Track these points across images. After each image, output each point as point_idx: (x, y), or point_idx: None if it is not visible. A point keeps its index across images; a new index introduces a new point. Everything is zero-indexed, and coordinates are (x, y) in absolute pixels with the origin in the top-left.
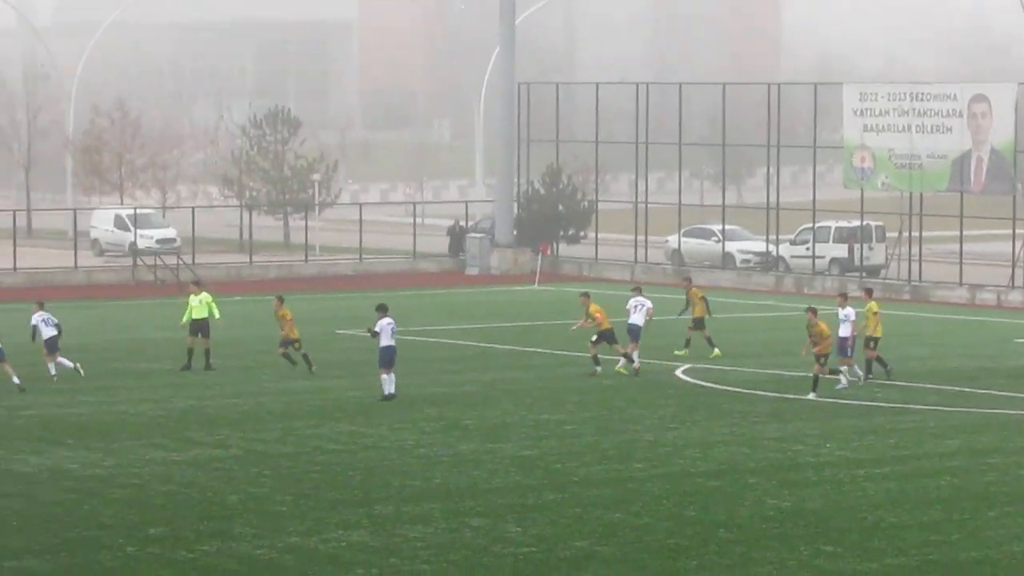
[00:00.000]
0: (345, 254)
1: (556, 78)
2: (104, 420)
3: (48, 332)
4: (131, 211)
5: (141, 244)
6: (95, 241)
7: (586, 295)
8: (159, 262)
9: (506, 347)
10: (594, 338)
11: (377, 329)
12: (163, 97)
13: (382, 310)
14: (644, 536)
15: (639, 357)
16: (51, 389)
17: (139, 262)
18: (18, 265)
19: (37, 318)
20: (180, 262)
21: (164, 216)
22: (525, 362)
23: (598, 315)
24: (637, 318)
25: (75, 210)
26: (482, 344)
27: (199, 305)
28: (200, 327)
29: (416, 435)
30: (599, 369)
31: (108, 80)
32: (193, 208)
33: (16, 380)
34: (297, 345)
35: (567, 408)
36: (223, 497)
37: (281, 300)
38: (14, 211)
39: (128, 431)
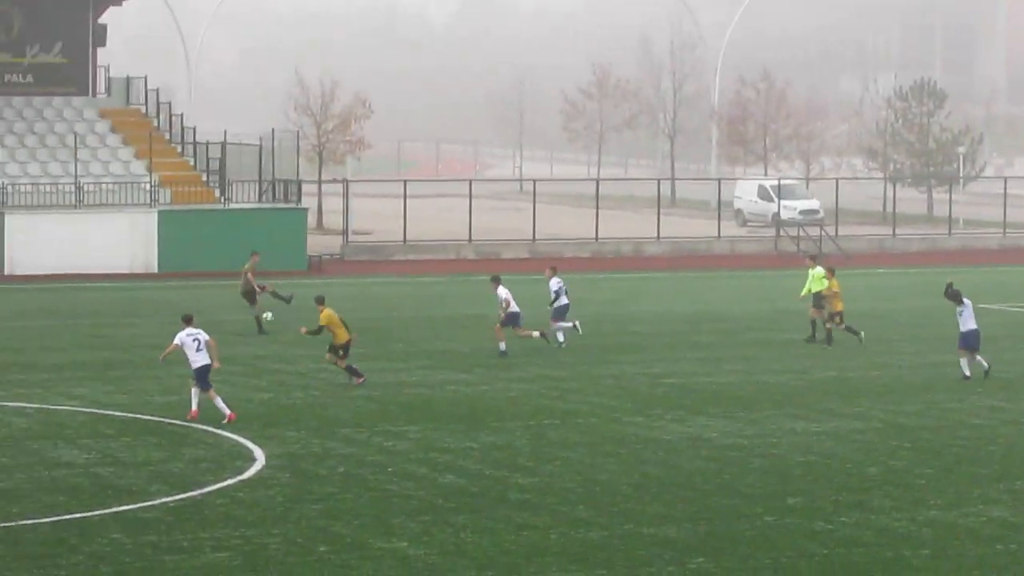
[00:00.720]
0: (989, 228)
1: None
2: (745, 390)
3: (563, 300)
4: (774, 182)
5: (784, 215)
6: (738, 211)
7: None
8: (802, 233)
9: None
10: None
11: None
12: (808, 68)
13: (955, 297)
14: None
15: None
16: (690, 358)
17: (782, 233)
18: (662, 234)
19: (556, 284)
20: (823, 234)
21: (807, 187)
22: None
23: None
24: None
25: (719, 180)
26: None
27: (813, 279)
28: (816, 300)
29: None
30: None
31: (754, 51)
32: (837, 180)
33: (502, 347)
34: (838, 320)
35: None
36: (862, 469)
37: (832, 272)
38: (658, 180)
39: (768, 401)
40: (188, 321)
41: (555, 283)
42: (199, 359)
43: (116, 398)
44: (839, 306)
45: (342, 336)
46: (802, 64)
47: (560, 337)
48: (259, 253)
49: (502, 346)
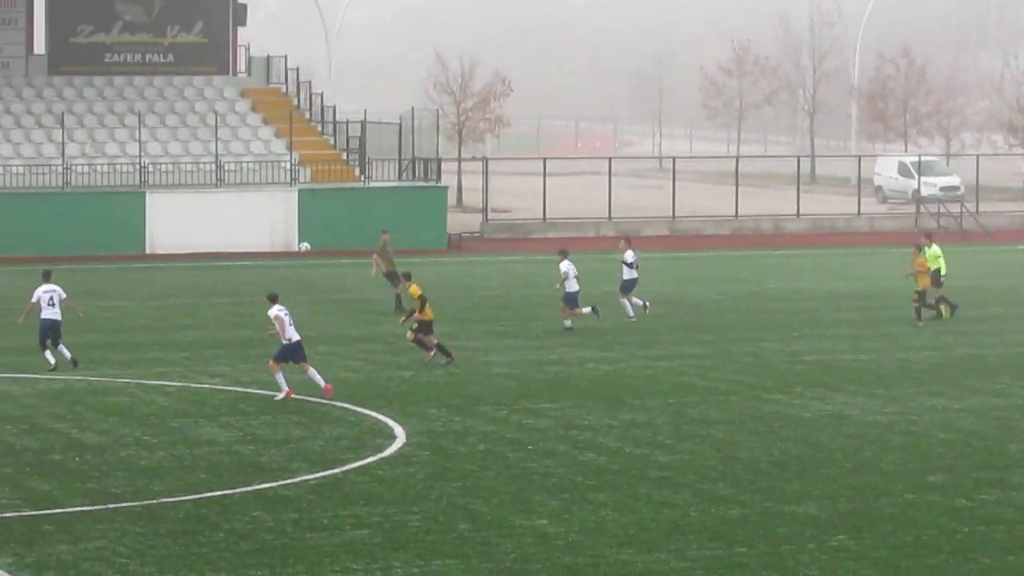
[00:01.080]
0: None
1: None
2: (885, 367)
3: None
4: (915, 158)
5: (924, 192)
6: (878, 188)
7: None
8: (942, 210)
9: None
10: None
11: None
12: (949, 44)
13: None
14: None
15: None
16: (830, 336)
17: (922, 209)
18: (801, 211)
19: (631, 257)
20: (963, 210)
21: (948, 164)
22: None
23: None
24: None
25: (859, 157)
26: None
27: (931, 257)
28: (931, 278)
29: None
30: None
31: (894, 26)
32: (977, 156)
33: (568, 324)
34: (915, 296)
35: None
36: (1003, 446)
37: (919, 249)
38: (798, 157)
39: (908, 379)
40: (274, 300)
41: (629, 256)
42: (294, 333)
43: (256, 376)
44: (924, 282)
45: (428, 313)
46: (942, 40)
47: (630, 311)
48: (388, 231)
49: (567, 323)
